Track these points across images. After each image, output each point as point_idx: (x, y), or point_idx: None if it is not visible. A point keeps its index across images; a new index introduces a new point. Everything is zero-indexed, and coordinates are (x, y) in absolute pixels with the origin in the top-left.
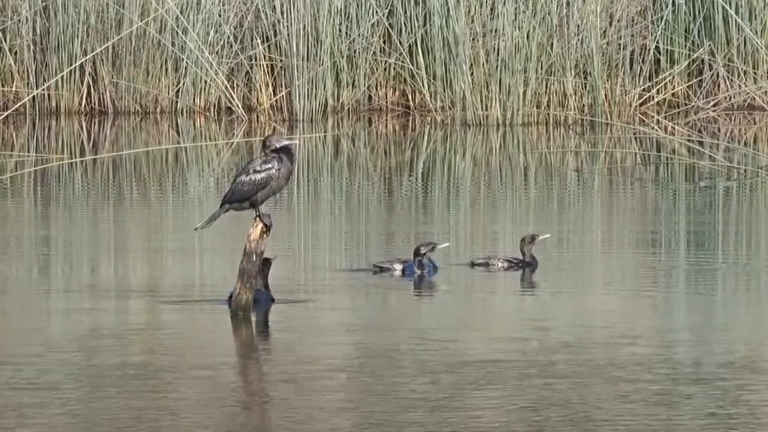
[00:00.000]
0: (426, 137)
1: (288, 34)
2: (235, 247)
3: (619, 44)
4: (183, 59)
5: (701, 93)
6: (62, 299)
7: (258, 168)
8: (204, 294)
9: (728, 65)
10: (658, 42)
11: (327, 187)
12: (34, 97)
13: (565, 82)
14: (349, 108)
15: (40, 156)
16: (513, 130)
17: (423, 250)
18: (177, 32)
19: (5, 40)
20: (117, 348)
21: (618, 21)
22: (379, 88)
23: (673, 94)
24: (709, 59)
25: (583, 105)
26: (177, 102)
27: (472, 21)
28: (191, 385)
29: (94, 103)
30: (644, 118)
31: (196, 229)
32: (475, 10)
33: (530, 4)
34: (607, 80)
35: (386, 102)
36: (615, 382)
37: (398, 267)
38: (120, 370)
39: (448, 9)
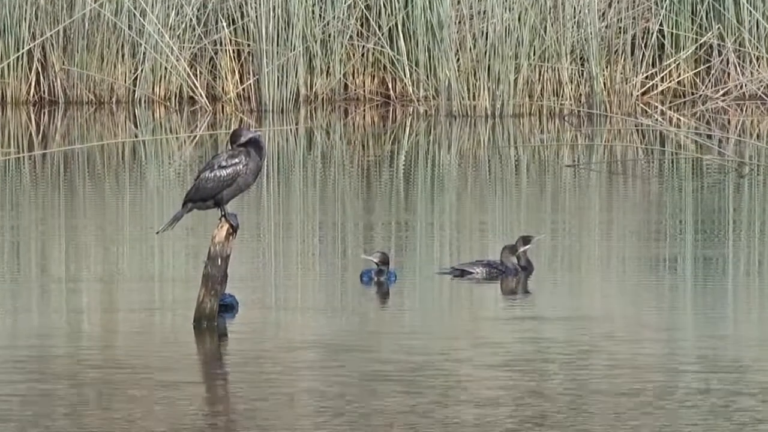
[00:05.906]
0: (408, 129)
1: (256, 17)
2: (199, 249)
3: (620, 28)
4: (141, 44)
5: (709, 81)
6: (9, 308)
7: (224, 163)
8: (164, 301)
9: (739, 50)
10: (662, 25)
11: (299, 184)
12: None
13: (560, 70)
14: (323, 97)
15: None
16: (503, 122)
17: (374, 258)
18: (134, 14)
19: None
20: (71, 361)
21: (618, 2)
22: (356, 75)
23: (678, 83)
24: (718, 44)
25: (580, 94)
26: (134, 91)
27: (459, 2)
28: (149, 402)
29: (44, 93)
30: (647, 109)
31: (157, 232)
32: None
33: None
34: (606, 67)
35: (364, 91)
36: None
37: (479, 270)
38: (73, 386)
39: None
